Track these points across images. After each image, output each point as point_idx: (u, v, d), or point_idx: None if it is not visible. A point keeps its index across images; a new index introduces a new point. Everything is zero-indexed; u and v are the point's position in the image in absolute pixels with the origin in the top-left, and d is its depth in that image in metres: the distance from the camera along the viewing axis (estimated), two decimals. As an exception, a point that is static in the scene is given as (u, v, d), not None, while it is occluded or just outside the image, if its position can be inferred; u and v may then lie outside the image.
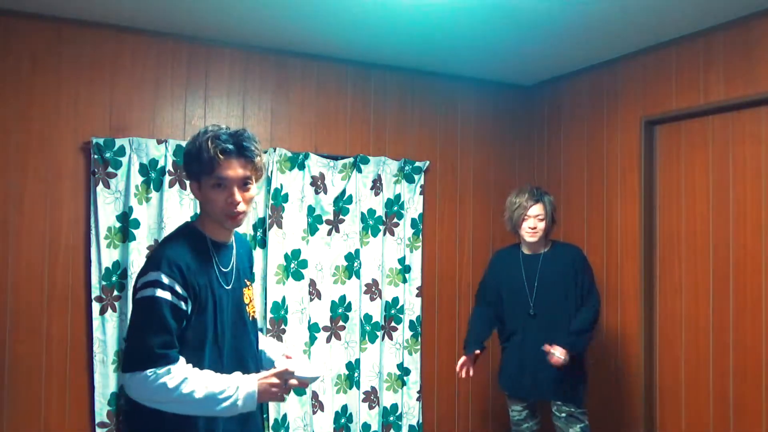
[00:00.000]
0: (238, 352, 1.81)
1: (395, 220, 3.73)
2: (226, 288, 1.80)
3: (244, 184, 1.75)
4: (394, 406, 3.70)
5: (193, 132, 3.25)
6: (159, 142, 3.14)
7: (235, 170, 1.73)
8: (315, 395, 3.48)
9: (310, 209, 3.50)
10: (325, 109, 3.61)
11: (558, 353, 2.89)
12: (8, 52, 2.92)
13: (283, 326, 3.38)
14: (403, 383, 3.74)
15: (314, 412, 3.47)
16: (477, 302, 3.36)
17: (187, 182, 1.78)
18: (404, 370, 3.74)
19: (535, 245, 3.13)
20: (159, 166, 3.14)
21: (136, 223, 3.08)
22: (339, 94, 3.65)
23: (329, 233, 3.56)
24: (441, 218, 3.92)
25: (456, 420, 3.94)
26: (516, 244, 3.26)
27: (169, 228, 3.14)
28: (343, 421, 3.56)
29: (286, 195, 3.42)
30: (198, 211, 1.91)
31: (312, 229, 3.51)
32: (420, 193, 3.79)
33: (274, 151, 3.40)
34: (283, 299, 3.38)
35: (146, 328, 1.65)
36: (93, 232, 3.02)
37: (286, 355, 1.96)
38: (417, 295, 3.77)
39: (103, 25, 3.09)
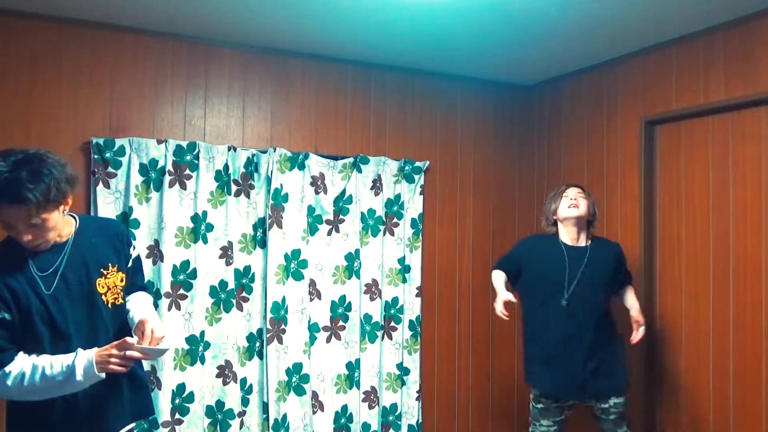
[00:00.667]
0: (94, 343, 1.92)
1: (395, 220, 3.73)
2: (47, 292, 1.88)
3: (32, 224, 1.76)
4: (394, 406, 3.71)
5: (193, 132, 3.29)
6: (159, 142, 3.14)
7: (17, 216, 1.74)
8: (315, 395, 3.49)
9: (310, 209, 3.50)
10: (325, 109, 3.61)
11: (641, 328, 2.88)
12: (8, 52, 2.92)
13: (283, 326, 3.38)
14: (403, 383, 3.74)
15: (314, 412, 3.47)
16: (496, 267, 3.20)
17: None
18: (404, 370, 3.74)
19: (577, 233, 2.99)
20: (159, 166, 3.14)
21: (136, 223, 3.08)
22: (339, 94, 3.65)
23: (329, 233, 3.56)
24: (441, 218, 3.92)
25: (456, 420, 3.94)
26: (553, 235, 3.09)
27: (169, 228, 3.15)
28: (343, 421, 3.56)
29: (286, 195, 3.42)
30: None
31: (312, 229, 3.51)
32: (420, 193, 3.79)
33: (274, 151, 3.40)
34: (283, 299, 3.38)
35: None
36: (93, 232, 3.02)
37: (142, 320, 2.01)
38: (417, 295, 3.77)
39: (103, 25, 3.09)
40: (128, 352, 1.83)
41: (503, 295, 3.00)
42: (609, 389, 2.90)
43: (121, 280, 2.05)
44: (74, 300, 1.92)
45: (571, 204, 2.98)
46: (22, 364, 1.82)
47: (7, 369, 1.80)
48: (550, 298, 2.95)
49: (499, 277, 3.12)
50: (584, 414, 3.10)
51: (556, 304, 2.92)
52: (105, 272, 2.00)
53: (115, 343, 1.85)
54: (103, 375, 1.85)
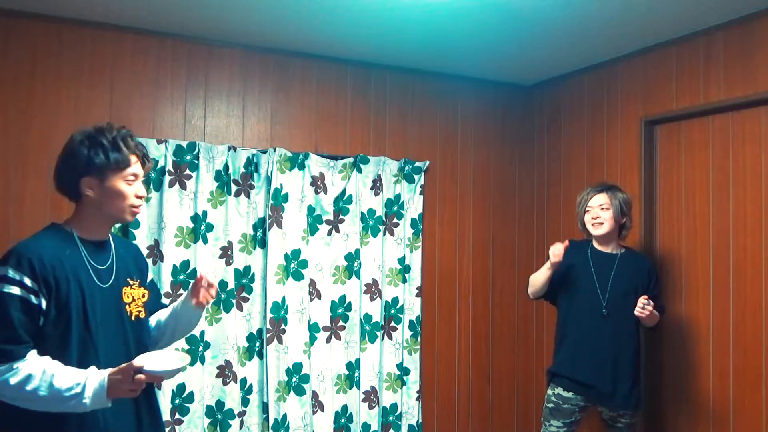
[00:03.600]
0: (114, 349, 1.80)
1: (395, 220, 3.73)
2: (102, 285, 1.81)
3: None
4: (394, 406, 3.70)
5: (193, 132, 3.29)
6: (159, 142, 3.14)
7: (140, 168, 1.87)
8: (315, 395, 3.49)
9: (310, 209, 3.50)
10: (325, 109, 3.61)
11: (647, 307, 2.74)
12: (8, 52, 2.92)
13: (283, 326, 3.38)
14: (403, 383, 3.74)
15: (314, 412, 3.47)
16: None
17: (83, 179, 1.80)
18: (404, 370, 3.74)
19: (607, 241, 2.98)
20: (159, 166, 3.14)
21: (136, 224, 3.08)
22: (339, 94, 3.65)
23: (329, 233, 3.56)
24: (441, 218, 3.92)
25: (456, 420, 3.94)
26: (587, 240, 3.10)
27: (169, 228, 3.15)
28: (343, 421, 3.56)
29: (286, 195, 3.42)
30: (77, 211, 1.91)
31: (312, 229, 3.51)
32: (420, 193, 3.79)
33: (274, 151, 3.40)
34: (283, 299, 3.38)
35: None
36: (93, 232, 3.02)
37: (198, 277, 1.99)
38: (417, 295, 3.77)
39: (103, 25, 3.09)
40: (137, 376, 1.66)
41: (555, 247, 2.90)
42: (627, 403, 2.90)
43: (143, 296, 1.96)
44: (106, 302, 1.82)
45: (594, 222, 2.95)
46: (32, 364, 1.65)
47: (15, 365, 1.64)
48: (590, 308, 2.94)
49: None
50: (595, 419, 3.10)
51: (598, 316, 2.92)
52: (131, 282, 1.92)
53: (122, 366, 1.68)
54: (110, 403, 1.69)
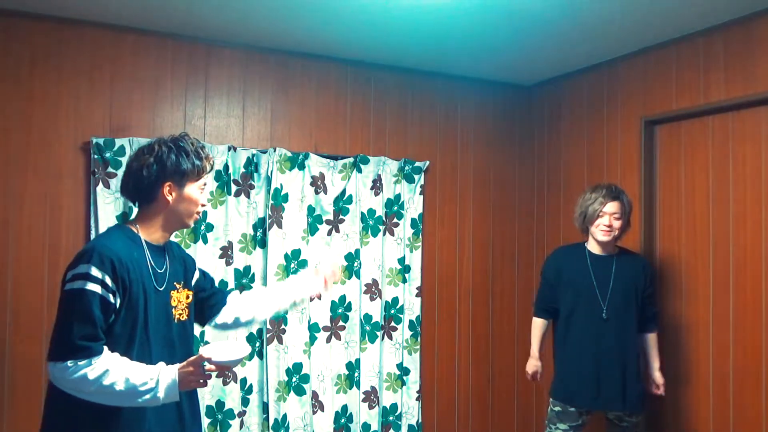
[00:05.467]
0: (164, 349, 1.87)
1: (395, 220, 3.73)
2: (159, 288, 1.87)
3: None
4: (394, 406, 3.71)
5: (193, 132, 3.28)
6: (159, 142, 3.14)
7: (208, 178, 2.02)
8: (315, 395, 3.49)
9: (310, 209, 3.50)
10: (325, 109, 3.61)
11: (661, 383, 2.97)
12: (8, 52, 2.92)
13: (283, 326, 3.38)
14: (403, 383, 3.74)
15: (314, 412, 3.47)
16: (537, 311, 3.14)
17: (166, 183, 1.87)
18: (404, 370, 3.74)
19: (606, 245, 2.97)
20: (159, 166, 3.13)
21: (136, 223, 3.08)
22: (339, 94, 3.65)
23: (329, 233, 3.56)
24: (441, 218, 3.92)
25: (456, 420, 3.94)
26: (580, 243, 3.08)
27: (169, 228, 3.15)
28: (343, 421, 3.56)
29: (286, 195, 3.42)
30: (133, 214, 2.02)
31: (312, 229, 3.51)
32: (420, 193, 3.79)
33: (274, 151, 3.40)
34: (283, 299, 3.38)
35: (71, 319, 1.70)
36: (93, 232, 3.02)
37: (316, 270, 2.24)
38: (417, 295, 3.77)
39: (103, 25, 3.09)
40: (207, 366, 1.76)
41: (534, 363, 3.11)
42: (637, 404, 2.90)
43: (187, 297, 2.00)
44: (159, 305, 1.87)
45: (605, 231, 2.92)
46: (108, 360, 1.70)
47: (94, 360, 1.68)
48: (590, 313, 2.93)
49: (536, 331, 3.11)
50: (598, 418, 3.10)
51: (598, 320, 2.91)
52: (177, 286, 1.96)
53: (192, 359, 1.77)
54: (178, 397, 1.76)
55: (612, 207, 2.91)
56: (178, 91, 3.27)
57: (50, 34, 3.00)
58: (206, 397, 3.21)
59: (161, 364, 1.79)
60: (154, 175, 1.85)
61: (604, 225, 2.91)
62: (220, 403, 3.26)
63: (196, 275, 2.11)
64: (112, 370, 1.69)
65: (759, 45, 2.83)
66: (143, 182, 1.86)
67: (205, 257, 3.21)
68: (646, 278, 3.00)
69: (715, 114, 3.05)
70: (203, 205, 1.97)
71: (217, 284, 3.22)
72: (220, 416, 3.25)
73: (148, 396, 1.72)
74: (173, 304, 1.93)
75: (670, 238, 3.28)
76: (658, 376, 3.01)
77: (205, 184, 1.96)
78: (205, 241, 3.22)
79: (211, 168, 1.99)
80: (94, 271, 1.71)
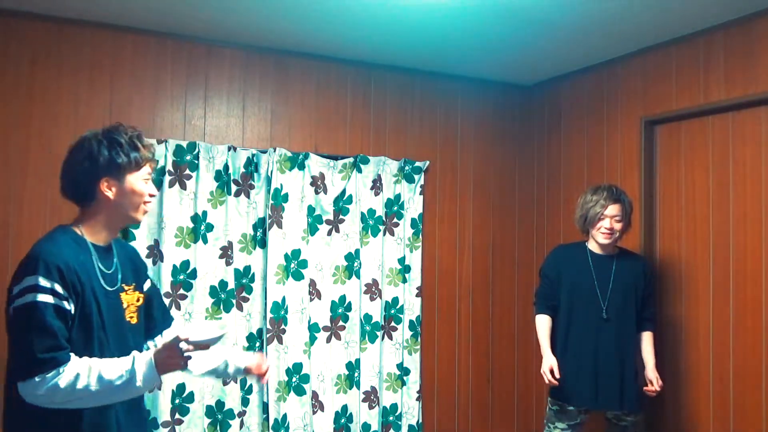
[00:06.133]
0: (121, 353, 1.81)
1: (395, 220, 3.73)
2: (108, 289, 1.82)
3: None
4: (394, 406, 3.70)
5: (193, 132, 3.28)
6: (159, 142, 3.14)
7: (151, 167, 1.91)
8: (315, 395, 3.49)
9: (310, 209, 3.50)
10: (325, 109, 3.61)
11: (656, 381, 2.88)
12: (8, 52, 2.92)
13: (283, 326, 3.38)
14: (403, 383, 3.74)
15: (314, 412, 3.47)
16: (540, 309, 3.08)
17: (102, 179, 1.80)
18: (404, 370, 3.74)
19: (607, 245, 2.97)
20: (159, 166, 3.13)
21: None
22: (339, 94, 3.65)
23: (329, 233, 3.56)
24: (441, 218, 3.92)
25: (456, 420, 3.94)
26: (581, 242, 3.08)
27: (169, 228, 3.15)
28: (343, 421, 3.56)
29: (286, 195, 3.42)
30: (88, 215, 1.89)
31: (312, 229, 3.51)
32: (420, 193, 3.79)
33: (274, 151, 3.40)
34: (283, 299, 3.38)
35: (29, 336, 1.63)
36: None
37: (253, 357, 2.09)
38: (417, 295, 3.77)
39: (103, 25, 3.09)
40: (185, 346, 1.71)
41: (549, 359, 2.90)
42: (636, 404, 2.91)
43: (137, 300, 1.94)
44: (111, 306, 1.83)
45: (606, 234, 2.91)
46: (76, 364, 1.66)
47: (62, 368, 1.63)
48: (590, 312, 2.93)
49: (543, 328, 3.02)
50: (597, 417, 3.10)
51: (598, 319, 2.91)
52: (126, 288, 1.91)
53: (168, 342, 1.73)
54: (161, 379, 1.74)
55: (613, 210, 2.91)
56: (178, 91, 3.27)
57: (50, 33, 3.00)
58: (206, 397, 3.21)
59: (134, 352, 1.76)
60: (88, 172, 1.79)
61: (605, 228, 2.91)
62: (220, 403, 3.26)
63: (147, 284, 2.04)
64: (83, 373, 1.65)
65: (759, 45, 2.83)
66: (78, 182, 1.81)
67: (205, 257, 3.21)
68: (646, 279, 3.01)
69: (715, 114, 3.05)
70: (152, 195, 1.88)
71: (217, 284, 3.25)
72: (220, 416, 3.25)
73: (126, 389, 1.69)
74: (123, 306, 1.87)
75: (670, 238, 3.28)
76: (652, 374, 3.00)
77: (150, 173, 1.87)
78: (205, 241, 3.22)
79: (153, 155, 1.89)
80: (42, 282, 1.65)
